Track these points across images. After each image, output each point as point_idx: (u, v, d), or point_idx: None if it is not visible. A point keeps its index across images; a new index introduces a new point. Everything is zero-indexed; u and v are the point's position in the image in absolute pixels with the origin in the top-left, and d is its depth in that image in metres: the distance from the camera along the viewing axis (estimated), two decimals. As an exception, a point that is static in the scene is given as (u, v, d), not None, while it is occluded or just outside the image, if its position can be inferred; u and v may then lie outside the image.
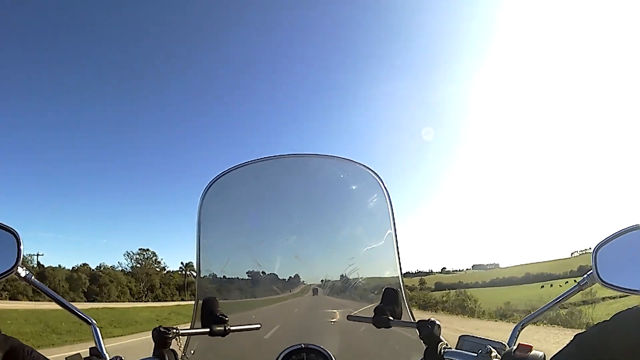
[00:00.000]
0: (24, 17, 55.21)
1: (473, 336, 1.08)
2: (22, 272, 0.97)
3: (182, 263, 70.04)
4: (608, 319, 0.91)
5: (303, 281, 1.46)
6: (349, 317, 1.31)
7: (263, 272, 1.44)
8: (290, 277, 1.45)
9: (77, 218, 77.89)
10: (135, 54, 71.86)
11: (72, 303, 1.09)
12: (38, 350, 0.80)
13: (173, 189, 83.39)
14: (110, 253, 78.72)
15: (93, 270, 55.99)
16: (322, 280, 1.46)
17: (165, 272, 69.46)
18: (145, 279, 64.35)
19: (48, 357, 0.83)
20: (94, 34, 66.74)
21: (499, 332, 14.43)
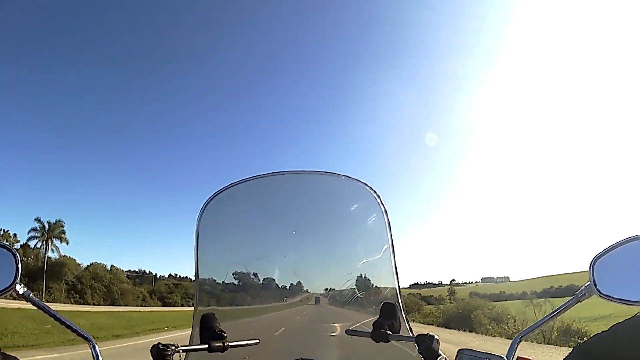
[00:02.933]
0: (25, 17, 55.60)
1: (472, 350, 1.07)
2: (20, 289, 1.00)
3: (37, 220, 44.11)
4: (607, 329, 0.90)
5: (300, 296, 1.46)
6: (347, 332, 1.31)
7: (261, 287, 1.45)
8: (287, 291, 1.46)
9: (80, 219, 77.58)
10: (137, 57, 72.44)
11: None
12: None
13: (179, 191, 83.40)
14: (115, 253, 77.76)
15: None
16: (319, 294, 1.47)
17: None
18: None
19: None
20: (96, 35, 67.04)
21: None
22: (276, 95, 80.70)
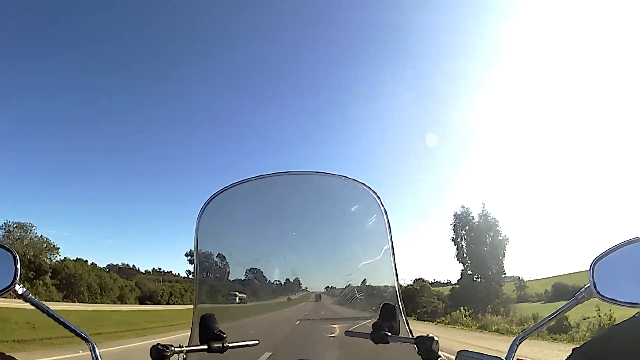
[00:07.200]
0: (26, 12, 54.70)
1: (471, 351, 1.07)
2: (19, 289, 0.99)
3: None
4: (606, 330, 0.90)
5: (300, 297, 1.46)
6: (347, 333, 1.31)
7: (261, 288, 1.45)
8: (287, 293, 1.46)
9: (83, 216, 76.13)
10: (143, 58, 71.59)
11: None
12: None
13: (184, 191, 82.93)
14: (116, 252, 76.75)
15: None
16: (319, 295, 1.47)
17: None
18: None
19: None
20: (98, 27, 65.70)
21: None
22: (276, 95, 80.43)
